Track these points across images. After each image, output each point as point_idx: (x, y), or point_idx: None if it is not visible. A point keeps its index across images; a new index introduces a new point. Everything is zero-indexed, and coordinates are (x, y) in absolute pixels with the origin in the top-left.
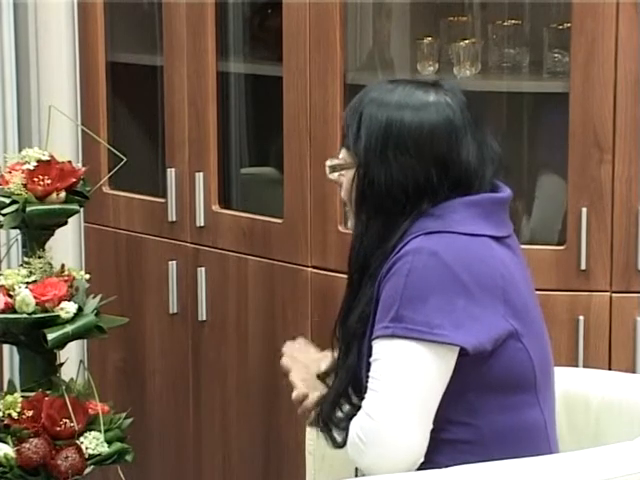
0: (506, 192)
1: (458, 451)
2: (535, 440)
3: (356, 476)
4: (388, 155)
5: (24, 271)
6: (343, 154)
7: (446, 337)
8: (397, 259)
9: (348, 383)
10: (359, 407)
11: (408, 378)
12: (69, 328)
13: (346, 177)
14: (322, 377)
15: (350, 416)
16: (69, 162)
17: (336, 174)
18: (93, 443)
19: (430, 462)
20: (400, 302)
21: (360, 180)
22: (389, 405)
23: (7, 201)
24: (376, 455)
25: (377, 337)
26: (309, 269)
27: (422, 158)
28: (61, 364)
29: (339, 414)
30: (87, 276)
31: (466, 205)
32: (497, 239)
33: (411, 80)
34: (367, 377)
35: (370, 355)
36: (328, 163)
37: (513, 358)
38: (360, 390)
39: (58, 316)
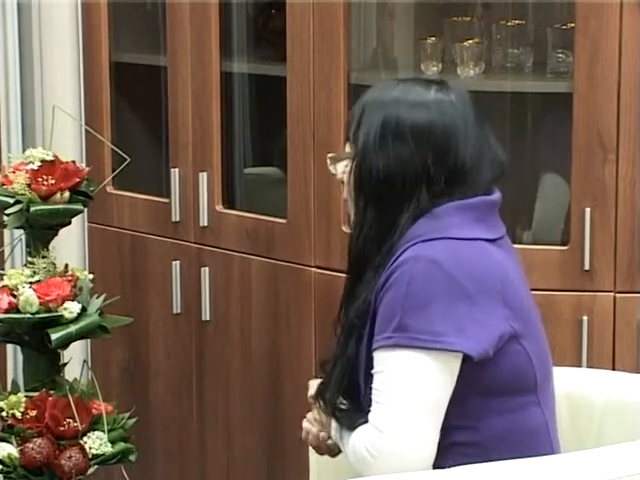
0: (497, 194)
1: (460, 454)
2: (537, 441)
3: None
4: (387, 144)
5: (28, 271)
6: (347, 148)
7: (451, 344)
8: (395, 268)
9: (345, 373)
10: (353, 409)
11: (414, 388)
12: (73, 328)
13: (347, 171)
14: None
15: (349, 415)
16: (73, 162)
17: (340, 170)
18: (97, 443)
19: (432, 466)
20: (402, 311)
21: (358, 167)
22: (397, 417)
23: (11, 201)
24: (387, 468)
25: (379, 347)
26: (313, 269)
27: (420, 149)
28: (65, 364)
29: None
30: (91, 276)
31: (461, 209)
32: (491, 241)
33: (416, 78)
34: (368, 387)
35: (369, 358)
36: (329, 155)
37: (514, 361)
38: (354, 392)
39: (62, 316)
